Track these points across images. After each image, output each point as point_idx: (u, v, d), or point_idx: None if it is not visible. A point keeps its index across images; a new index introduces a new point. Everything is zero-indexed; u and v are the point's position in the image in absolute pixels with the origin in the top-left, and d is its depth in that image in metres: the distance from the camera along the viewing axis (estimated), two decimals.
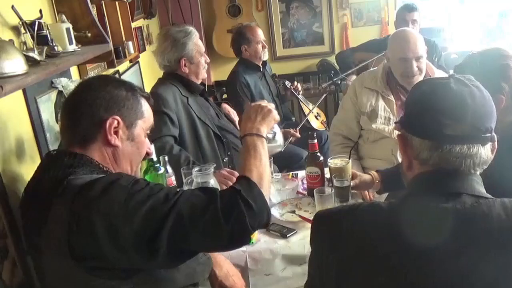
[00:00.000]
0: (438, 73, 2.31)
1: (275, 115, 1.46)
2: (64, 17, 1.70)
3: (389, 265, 0.91)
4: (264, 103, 1.47)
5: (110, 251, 1.04)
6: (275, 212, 1.79)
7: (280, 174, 2.27)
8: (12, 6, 1.46)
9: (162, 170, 1.88)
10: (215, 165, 1.93)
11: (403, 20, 3.41)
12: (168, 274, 1.21)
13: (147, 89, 2.37)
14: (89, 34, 1.83)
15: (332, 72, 3.85)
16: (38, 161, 1.57)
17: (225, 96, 3.86)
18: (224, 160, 2.39)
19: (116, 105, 1.21)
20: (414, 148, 0.97)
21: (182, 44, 2.35)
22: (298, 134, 2.80)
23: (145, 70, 3.52)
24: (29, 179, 1.24)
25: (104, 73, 2.52)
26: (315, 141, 1.88)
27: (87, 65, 2.20)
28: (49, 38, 1.51)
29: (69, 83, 1.81)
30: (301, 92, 3.58)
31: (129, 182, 1.09)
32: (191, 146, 2.33)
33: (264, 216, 1.17)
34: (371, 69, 2.79)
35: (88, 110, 1.19)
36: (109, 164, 1.23)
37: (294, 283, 1.56)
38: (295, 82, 3.46)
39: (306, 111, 3.46)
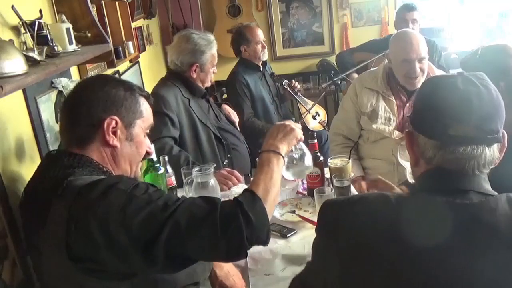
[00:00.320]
0: (438, 73, 2.31)
1: (298, 134, 1.42)
2: (64, 17, 1.70)
3: (387, 259, 0.91)
4: (288, 122, 1.44)
5: (107, 256, 1.04)
6: (275, 212, 1.79)
7: None
8: (12, 6, 1.46)
9: (162, 170, 1.88)
10: (215, 165, 1.93)
11: (403, 20, 3.41)
12: (168, 275, 1.20)
13: (147, 89, 2.37)
14: (89, 34, 1.83)
15: (332, 72, 3.84)
16: (38, 161, 1.57)
17: (225, 96, 3.86)
18: (224, 163, 2.39)
19: (114, 105, 1.21)
20: (420, 146, 0.97)
21: (202, 52, 2.38)
22: None
23: (145, 70, 3.52)
24: (29, 179, 1.24)
25: (104, 73, 2.51)
26: (315, 141, 1.88)
27: (87, 65, 2.20)
28: (49, 38, 1.51)
29: (69, 83, 1.81)
30: (300, 92, 3.57)
31: (129, 187, 1.08)
32: (191, 147, 2.33)
33: (263, 233, 1.13)
34: (372, 69, 2.78)
35: (86, 110, 1.19)
36: (108, 164, 1.23)
37: None
38: (293, 81, 3.46)
39: (304, 111, 3.44)
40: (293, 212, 1.83)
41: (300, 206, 1.87)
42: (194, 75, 2.40)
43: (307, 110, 3.37)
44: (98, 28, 1.87)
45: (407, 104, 2.29)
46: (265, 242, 1.16)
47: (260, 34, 3.34)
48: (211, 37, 2.46)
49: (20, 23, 1.49)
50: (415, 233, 0.89)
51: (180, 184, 2.02)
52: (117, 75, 2.77)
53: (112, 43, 2.14)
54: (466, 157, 0.91)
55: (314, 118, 3.51)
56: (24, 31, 1.49)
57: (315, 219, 1.73)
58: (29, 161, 1.55)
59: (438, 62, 3.44)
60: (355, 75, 3.31)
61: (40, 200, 1.11)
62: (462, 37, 4.70)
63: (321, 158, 1.91)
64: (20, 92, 1.53)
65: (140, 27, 3.57)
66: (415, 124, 0.99)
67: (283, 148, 1.35)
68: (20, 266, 1.38)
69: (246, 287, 1.48)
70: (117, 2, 2.83)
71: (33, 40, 1.47)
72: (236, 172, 2.11)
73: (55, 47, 1.53)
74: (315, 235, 1.04)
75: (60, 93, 1.79)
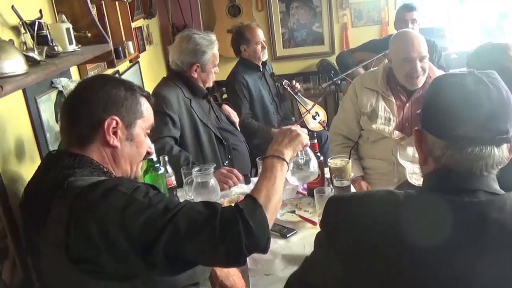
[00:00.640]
0: (438, 73, 2.31)
1: (304, 139, 1.41)
2: (64, 17, 1.71)
3: (390, 257, 0.90)
4: (294, 126, 1.44)
5: (106, 257, 1.04)
6: None
7: None
8: (12, 6, 1.46)
9: (162, 170, 1.88)
10: (215, 165, 1.93)
11: (402, 20, 3.41)
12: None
13: (147, 89, 2.37)
14: (89, 34, 1.83)
15: (332, 72, 3.84)
16: (38, 161, 1.57)
17: (225, 96, 3.86)
18: (225, 163, 2.39)
19: (114, 105, 1.20)
20: (428, 144, 0.96)
21: (203, 52, 2.37)
22: None
23: (145, 70, 3.52)
24: (29, 179, 1.24)
25: (104, 73, 2.51)
26: (315, 141, 1.88)
27: (87, 65, 2.20)
28: (49, 38, 1.51)
29: (69, 83, 1.81)
30: (300, 92, 3.58)
31: (129, 189, 1.07)
32: (192, 148, 2.33)
33: (263, 241, 1.12)
34: (372, 69, 2.78)
35: (86, 110, 1.19)
36: (108, 164, 1.23)
37: None
38: (294, 82, 3.46)
39: (303, 111, 3.45)
40: (293, 212, 1.83)
41: (300, 206, 1.87)
42: (195, 75, 2.40)
43: (307, 110, 3.37)
44: (98, 28, 1.87)
45: (407, 104, 2.29)
46: (264, 250, 1.14)
47: (260, 34, 3.33)
48: (213, 37, 2.46)
49: (20, 23, 1.49)
50: (419, 231, 0.88)
51: (180, 184, 2.02)
52: (117, 75, 2.77)
53: (112, 43, 2.14)
54: (474, 157, 0.90)
55: (314, 118, 3.51)
56: (24, 31, 1.49)
57: (315, 219, 1.74)
58: (29, 161, 1.55)
59: (438, 62, 3.44)
60: (361, 71, 3.30)
61: (40, 201, 1.11)
62: (462, 37, 4.70)
63: (321, 158, 1.91)
64: (20, 92, 1.53)
65: (140, 27, 3.57)
66: (424, 122, 0.98)
67: (288, 154, 1.35)
68: (20, 266, 1.38)
69: (246, 287, 1.48)
70: (117, 2, 2.83)
71: (33, 40, 1.47)
72: (235, 171, 2.11)
73: (55, 47, 1.53)
74: (315, 235, 1.04)
75: (60, 93, 1.79)
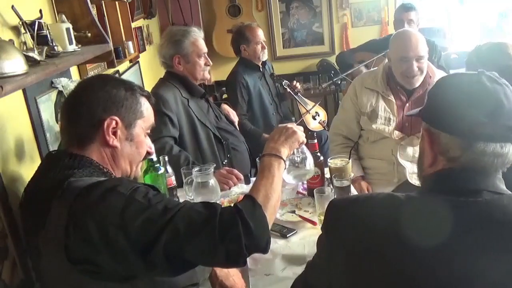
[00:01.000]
0: (438, 73, 2.31)
1: (300, 137, 1.41)
2: (64, 17, 1.70)
3: (392, 259, 0.90)
4: (290, 124, 1.43)
5: (105, 258, 1.04)
6: None
7: None
8: (12, 6, 1.46)
9: (162, 170, 1.88)
10: (215, 165, 1.93)
11: (400, 20, 3.40)
12: None
13: (147, 89, 2.37)
14: (89, 34, 1.83)
15: (332, 72, 3.85)
16: (38, 161, 1.57)
17: (225, 96, 3.86)
18: (224, 163, 2.39)
19: (114, 105, 1.20)
20: (442, 144, 0.94)
21: (177, 41, 2.36)
22: None
23: (145, 70, 3.52)
24: (29, 179, 1.24)
25: (104, 73, 2.51)
26: (315, 141, 1.88)
27: (87, 65, 2.20)
28: (49, 38, 1.51)
29: (69, 83, 1.81)
30: (300, 92, 3.58)
31: (128, 190, 1.07)
32: (191, 148, 2.33)
33: (263, 241, 1.12)
34: (372, 69, 2.79)
35: (86, 110, 1.19)
36: (108, 164, 1.22)
37: None
38: (294, 82, 3.46)
39: (303, 111, 3.45)
40: (293, 212, 1.83)
41: (300, 206, 1.87)
42: (180, 68, 2.38)
43: (307, 110, 3.37)
44: (98, 28, 1.87)
45: (407, 104, 2.29)
46: (264, 250, 1.14)
47: (261, 34, 3.34)
48: (192, 28, 2.44)
49: (20, 23, 1.49)
50: (420, 231, 0.88)
51: (180, 184, 2.02)
52: (117, 75, 2.77)
53: (112, 43, 2.14)
54: (495, 155, 0.90)
55: (314, 118, 3.52)
56: (24, 31, 1.49)
57: (315, 219, 1.74)
58: (29, 161, 1.55)
59: (438, 62, 3.44)
60: (363, 69, 3.30)
61: (40, 201, 1.11)
62: (462, 37, 4.70)
63: (321, 158, 1.91)
64: (20, 92, 1.53)
65: (140, 27, 3.57)
66: (437, 122, 0.96)
67: (285, 152, 1.34)
68: (20, 266, 1.38)
69: (246, 287, 1.48)
70: (117, 2, 2.83)
71: (33, 40, 1.47)
72: (236, 171, 2.11)
73: (55, 47, 1.53)
74: (315, 235, 1.05)
75: (60, 93, 1.78)
